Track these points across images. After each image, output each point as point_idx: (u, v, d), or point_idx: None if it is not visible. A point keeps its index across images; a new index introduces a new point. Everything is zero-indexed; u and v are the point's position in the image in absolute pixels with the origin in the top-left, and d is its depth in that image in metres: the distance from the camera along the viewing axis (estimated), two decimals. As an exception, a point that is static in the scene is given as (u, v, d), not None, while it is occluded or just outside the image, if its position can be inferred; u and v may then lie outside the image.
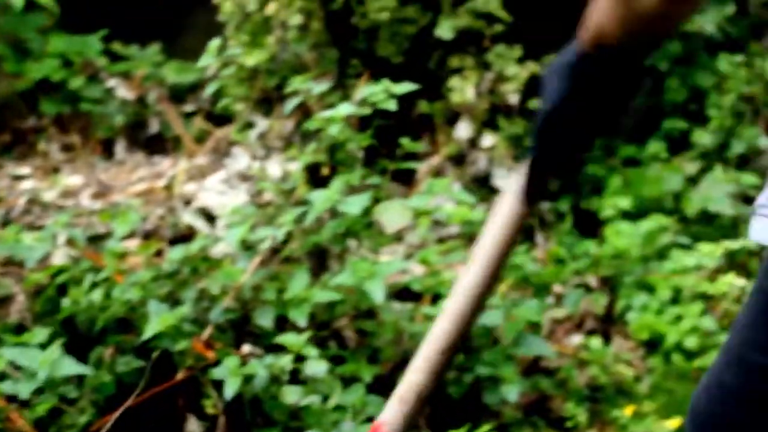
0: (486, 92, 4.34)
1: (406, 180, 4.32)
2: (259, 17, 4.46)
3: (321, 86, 2.89)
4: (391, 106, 2.76)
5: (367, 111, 2.80)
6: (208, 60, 2.80)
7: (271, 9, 4.40)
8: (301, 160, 2.93)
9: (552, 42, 4.54)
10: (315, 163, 2.95)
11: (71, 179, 3.75)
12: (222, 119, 4.56)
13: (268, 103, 4.50)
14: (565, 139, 1.53)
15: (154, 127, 4.64)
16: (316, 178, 3.12)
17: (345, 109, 2.82)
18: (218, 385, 2.58)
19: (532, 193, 1.56)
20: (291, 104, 2.91)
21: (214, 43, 2.83)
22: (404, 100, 2.89)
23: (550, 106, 1.51)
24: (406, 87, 2.82)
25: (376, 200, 2.86)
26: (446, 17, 4.34)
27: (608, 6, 1.41)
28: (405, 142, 2.88)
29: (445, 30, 4.31)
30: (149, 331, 2.56)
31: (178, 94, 4.87)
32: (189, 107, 4.81)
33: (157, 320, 2.57)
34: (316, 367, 2.39)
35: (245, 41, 4.46)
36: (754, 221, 1.47)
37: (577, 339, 3.61)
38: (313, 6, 4.40)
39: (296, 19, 4.35)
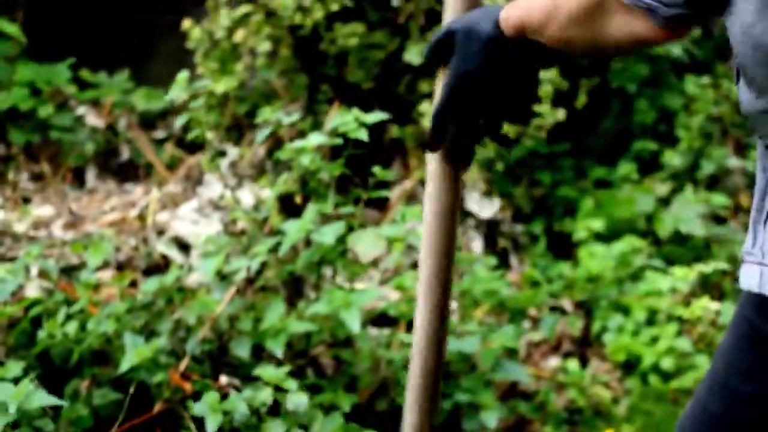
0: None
1: (380, 204, 4.32)
2: (228, 44, 4.45)
3: (291, 117, 2.89)
4: (363, 135, 2.76)
5: (338, 141, 2.80)
6: (176, 92, 2.79)
7: (239, 36, 4.40)
8: (274, 190, 2.92)
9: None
10: (287, 193, 2.94)
11: (42, 209, 3.73)
12: (194, 145, 4.56)
13: (238, 129, 4.49)
14: (469, 110, 1.53)
15: (125, 154, 4.61)
16: (288, 206, 3.11)
17: (316, 139, 2.82)
18: (196, 416, 2.56)
19: (431, 140, 1.56)
20: (261, 135, 2.90)
21: (183, 74, 2.82)
22: (375, 125, 2.89)
23: (458, 72, 1.51)
24: (376, 116, 2.82)
25: (350, 229, 2.86)
26: (415, 42, 4.35)
27: (561, 18, 1.40)
28: (377, 170, 2.87)
29: (414, 55, 4.32)
30: (125, 363, 2.54)
31: (148, 121, 4.85)
32: (160, 134, 4.79)
33: (133, 353, 2.55)
34: (297, 400, 2.37)
35: (214, 68, 4.46)
36: (743, 268, 1.47)
37: (554, 362, 3.61)
38: (282, 33, 4.40)
39: (265, 46, 4.35)
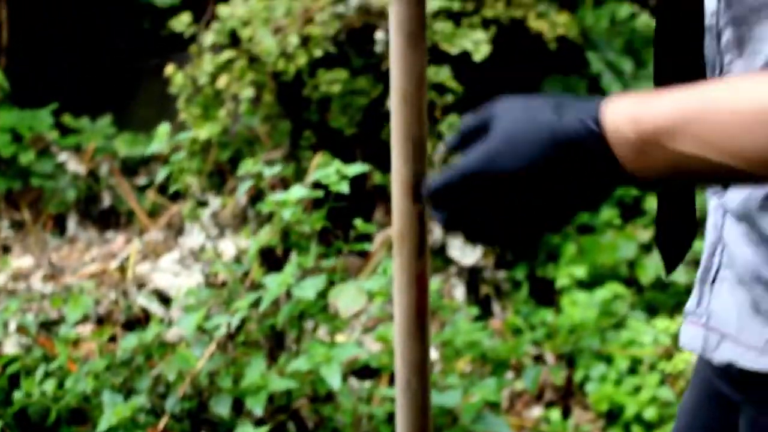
0: (439, 162, 4.36)
1: (361, 251, 4.32)
2: (211, 90, 4.46)
3: (272, 169, 2.89)
4: (344, 188, 2.76)
5: (319, 194, 2.80)
6: (157, 145, 2.78)
7: (222, 82, 4.41)
8: (254, 243, 2.91)
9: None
10: (269, 246, 2.93)
11: (22, 260, 3.71)
12: (176, 192, 4.54)
13: (221, 176, 4.49)
14: (483, 207, 1.10)
15: (106, 201, 4.60)
16: (270, 258, 3.10)
17: (297, 192, 2.81)
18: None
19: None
20: (242, 188, 2.90)
21: (164, 127, 2.82)
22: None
23: (486, 165, 1.07)
24: (357, 168, 2.82)
25: (331, 282, 2.85)
26: (398, 89, 4.35)
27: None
28: (359, 223, 2.87)
29: (397, 101, 4.33)
30: (104, 423, 2.52)
31: (130, 167, 4.84)
32: (142, 180, 4.78)
33: (112, 412, 2.53)
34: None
35: (197, 114, 4.46)
36: (684, 328, 1.37)
37: (536, 411, 3.60)
38: (265, 79, 4.41)
39: (248, 92, 4.35)
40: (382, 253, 4.22)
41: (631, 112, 1.03)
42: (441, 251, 4.32)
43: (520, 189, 1.06)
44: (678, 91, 1.04)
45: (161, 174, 2.87)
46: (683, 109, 1.01)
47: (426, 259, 1.58)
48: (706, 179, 1.06)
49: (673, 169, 1.03)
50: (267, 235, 2.93)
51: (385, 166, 4.45)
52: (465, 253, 4.26)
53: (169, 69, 4.52)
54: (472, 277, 4.29)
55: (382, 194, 4.49)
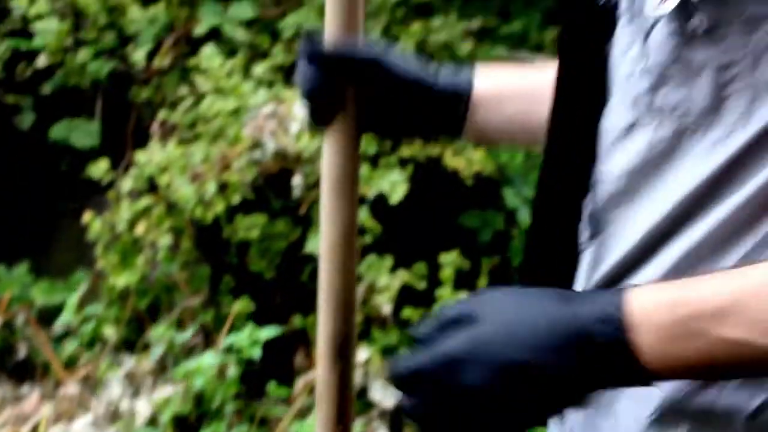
0: (359, 303, 4.37)
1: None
2: (129, 237, 4.44)
3: (184, 335, 2.89)
4: (256, 353, 2.77)
5: (231, 360, 2.80)
6: (66, 319, 2.77)
7: (140, 229, 4.39)
8: (168, 411, 2.89)
9: (423, 251, 4.63)
10: (182, 414, 2.91)
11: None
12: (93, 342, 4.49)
13: (139, 323, 4.44)
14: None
15: (22, 352, 4.52)
16: (183, 424, 3.07)
17: (209, 359, 2.82)
18: None
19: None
20: (155, 353, 2.89)
21: (72, 300, 2.81)
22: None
23: (493, 350, 0.94)
24: (270, 332, 2.84)
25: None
26: (315, 233, 4.38)
27: None
28: (272, 387, 2.86)
29: (314, 245, 4.35)
30: None
31: (47, 316, 4.77)
32: (59, 328, 4.71)
33: None
34: None
35: (115, 262, 4.43)
36: None
37: None
38: (183, 225, 4.41)
39: (166, 240, 4.34)
40: (304, 397, 4.19)
41: (669, 297, 0.93)
42: (362, 394, 4.30)
43: (511, 381, 0.94)
44: (723, 273, 0.96)
45: (70, 346, 2.85)
46: (739, 290, 0.91)
47: (347, 425, 1.47)
48: (744, 369, 0.94)
49: (707, 358, 0.92)
50: (179, 402, 2.91)
51: (304, 309, 4.44)
52: (386, 395, 4.24)
53: (87, 216, 4.50)
54: (395, 419, 4.27)
55: (303, 337, 4.47)
